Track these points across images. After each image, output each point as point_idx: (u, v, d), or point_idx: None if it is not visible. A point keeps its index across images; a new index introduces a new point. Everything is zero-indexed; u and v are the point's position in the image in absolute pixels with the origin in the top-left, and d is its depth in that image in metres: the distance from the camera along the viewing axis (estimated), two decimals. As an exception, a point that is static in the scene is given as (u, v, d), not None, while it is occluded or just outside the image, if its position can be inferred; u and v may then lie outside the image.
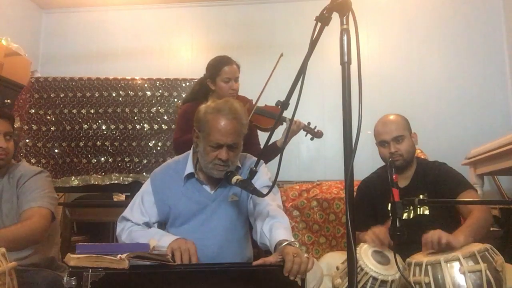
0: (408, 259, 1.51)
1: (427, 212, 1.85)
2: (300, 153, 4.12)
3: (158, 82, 3.16)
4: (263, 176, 1.74)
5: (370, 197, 1.98)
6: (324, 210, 2.65)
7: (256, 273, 1.31)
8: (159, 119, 3.09)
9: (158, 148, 3.05)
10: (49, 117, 3.08)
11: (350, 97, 1.11)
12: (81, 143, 3.04)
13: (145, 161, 3.05)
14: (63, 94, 3.11)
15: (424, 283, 1.38)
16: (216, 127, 1.58)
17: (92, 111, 3.08)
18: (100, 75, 3.20)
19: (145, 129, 3.07)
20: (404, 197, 1.42)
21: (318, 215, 2.64)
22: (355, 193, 1.22)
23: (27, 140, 3.04)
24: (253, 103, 2.47)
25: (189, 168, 1.72)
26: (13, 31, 4.01)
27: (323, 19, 1.18)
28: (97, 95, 3.10)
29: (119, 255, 1.22)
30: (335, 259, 1.82)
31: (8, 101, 3.40)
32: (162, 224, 1.76)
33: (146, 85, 3.14)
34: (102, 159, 3.04)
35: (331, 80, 3.97)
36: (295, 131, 2.37)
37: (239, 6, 4.47)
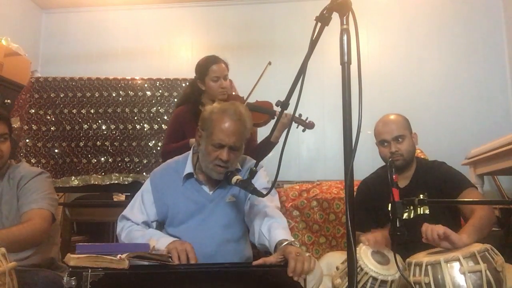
0: (408, 259, 1.51)
1: (427, 212, 1.85)
2: (300, 153, 4.12)
3: (158, 82, 3.16)
4: (262, 178, 1.74)
5: (370, 197, 1.98)
6: (324, 210, 2.65)
7: (256, 273, 1.31)
8: (159, 119, 3.09)
9: (158, 148, 3.05)
10: (49, 117, 3.08)
11: (350, 97, 1.11)
12: (81, 143, 3.04)
13: (145, 161, 3.05)
14: (63, 94, 3.11)
15: (424, 283, 1.37)
16: (220, 126, 1.60)
17: (92, 111, 3.08)
18: (100, 75, 3.20)
19: (145, 129, 3.07)
20: (404, 197, 1.42)
21: (318, 215, 2.64)
22: (355, 193, 1.22)
23: (27, 140, 3.04)
24: (244, 100, 2.47)
25: (189, 168, 1.73)
26: (13, 31, 4.01)
27: (323, 19, 1.18)
28: (97, 95, 3.10)
29: (119, 255, 1.22)
30: (335, 259, 1.82)
31: (8, 101, 3.40)
32: (161, 224, 1.76)
33: (146, 85, 3.14)
34: (102, 159, 3.04)
35: (331, 80, 3.97)
36: (286, 123, 2.35)
37: (239, 6, 4.47)
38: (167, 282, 1.25)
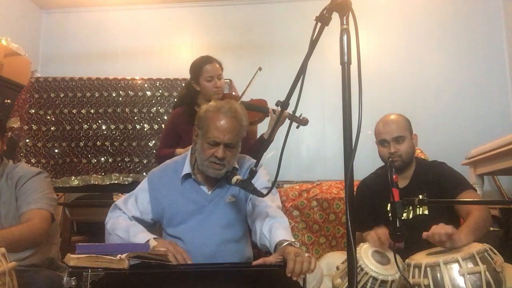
0: (407, 260, 1.50)
1: (426, 212, 1.85)
2: (300, 153, 4.12)
3: (158, 82, 3.16)
4: (262, 177, 1.74)
5: (370, 197, 1.98)
6: (324, 210, 2.65)
7: (256, 273, 1.31)
8: (159, 119, 3.09)
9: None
10: (49, 117, 3.07)
11: (350, 97, 1.11)
12: (81, 143, 3.04)
13: (145, 161, 3.05)
14: (63, 94, 3.11)
15: (424, 285, 1.37)
16: (215, 124, 1.60)
17: (92, 111, 3.08)
18: (100, 75, 3.20)
19: (145, 129, 3.07)
20: (404, 197, 1.42)
21: (318, 215, 2.64)
22: (354, 193, 1.22)
23: (27, 140, 3.04)
24: (239, 98, 2.47)
25: (187, 169, 1.73)
26: (13, 31, 4.01)
27: (323, 19, 1.18)
28: (97, 95, 3.10)
29: (119, 255, 1.22)
30: (335, 259, 1.82)
31: (8, 101, 3.40)
32: (158, 223, 1.76)
33: (146, 85, 3.14)
34: (102, 159, 3.03)
35: (331, 80, 3.97)
36: (280, 121, 2.35)
37: (239, 6, 4.47)
38: (167, 282, 1.25)
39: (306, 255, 1.31)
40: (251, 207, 1.69)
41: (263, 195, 1.43)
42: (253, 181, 1.47)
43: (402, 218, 1.39)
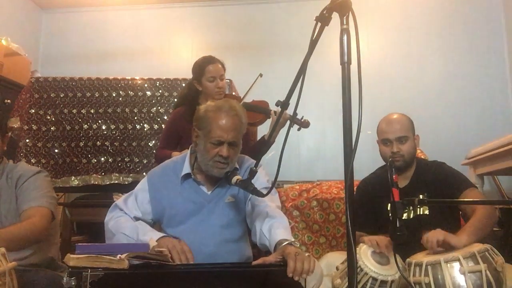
0: (408, 259, 1.51)
1: (427, 212, 1.84)
2: (300, 153, 4.12)
3: (158, 82, 3.16)
4: (262, 178, 1.74)
5: (370, 197, 1.98)
6: (324, 210, 2.65)
7: (256, 273, 1.31)
8: (159, 119, 3.09)
9: (158, 148, 3.05)
10: (49, 117, 3.08)
11: (350, 97, 1.11)
12: (81, 143, 3.04)
13: (145, 161, 3.05)
14: (63, 94, 3.11)
15: (424, 284, 1.38)
16: (217, 123, 1.60)
17: (92, 111, 3.08)
18: (100, 75, 3.20)
19: (145, 129, 3.07)
20: (404, 197, 1.42)
21: (318, 215, 2.64)
22: (354, 193, 1.22)
23: (27, 140, 3.04)
24: (240, 99, 2.47)
25: (186, 169, 1.73)
26: (13, 31, 4.01)
27: (323, 19, 1.18)
28: (97, 95, 3.11)
29: (119, 255, 1.22)
30: (335, 259, 1.82)
31: (8, 101, 3.40)
32: (157, 223, 1.76)
33: (146, 85, 3.14)
34: (102, 159, 3.04)
35: (331, 80, 3.96)
36: (281, 123, 2.35)
37: (239, 6, 4.47)
38: (167, 282, 1.25)
39: (306, 254, 1.31)
40: (251, 207, 1.69)
41: (263, 195, 1.43)
42: (252, 181, 1.47)
43: (403, 218, 1.39)
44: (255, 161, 1.49)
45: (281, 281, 1.26)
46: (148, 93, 3.13)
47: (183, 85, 3.16)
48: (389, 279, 1.46)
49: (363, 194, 2.00)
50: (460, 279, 1.33)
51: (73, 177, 3.02)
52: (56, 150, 3.05)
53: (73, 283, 1.16)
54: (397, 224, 1.35)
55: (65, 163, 3.04)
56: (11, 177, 1.76)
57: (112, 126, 3.07)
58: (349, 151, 1.10)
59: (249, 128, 2.44)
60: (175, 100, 3.12)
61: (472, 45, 4.02)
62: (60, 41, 4.65)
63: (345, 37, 1.14)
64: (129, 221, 1.66)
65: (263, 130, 2.47)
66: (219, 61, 2.39)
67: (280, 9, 4.37)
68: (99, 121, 3.07)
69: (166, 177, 1.75)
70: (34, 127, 3.06)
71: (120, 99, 3.11)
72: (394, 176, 1.43)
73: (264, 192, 1.43)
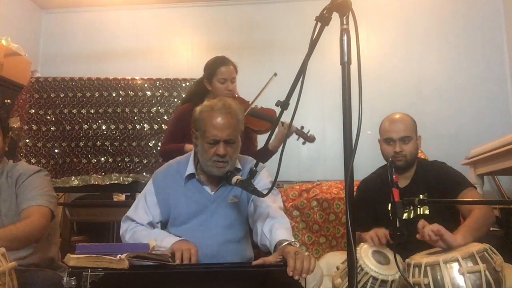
0: (407, 260, 1.51)
1: (427, 212, 1.85)
2: (300, 153, 4.12)
3: (158, 82, 3.16)
4: (264, 178, 1.75)
5: (370, 197, 1.98)
6: (324, 210, 2.65)
7: (256, 273, 1.31)
8: (159, 119, 3.09)
9: (158, 148, 3.05)
10: (49, 117, 3.08)
11: (350, 97, 1.12)
12: (81, 143, 3.05)
13: (145, 161, 3.05)
14: (63, 94, 3.11)
15: (424, 284, 1.37)
16: (211, 123, 1.61)
17: (92, 111, 3.08)
18: (100, 75, 3.20)
19: (145, 129, 3.07)
20: (404, 197, 1.42)
21: (318, 215, 2.64)
22: (355, 193, 1.22)
23: (27, 140, 3.04)
24: (249, 104, 2.46)
25: (190, 169, 1.73)
26: (13, 31, 4.01)
27: (323, 19, 1.18)
28: (97, 95, 3.11)
29: (119, 255, 1.22)
30: (335, 259, 1.82)
31: (8, 101, 3.40)
32: (163, 224, 1.76)
33: (146, 85, 3.15)
34: (102, 159, 3.04)
35: (331, 80, 3.96)
36: (286, 134, 2.35)
37: (239, 6, 4.46)
38: (167, 282, 1.26)
39: (306, 254, 1.31)
40: (253, 207, 1.69)
41: (263, 195, 1.43)
42: (255, 182, 1.47)
43: (403, 218, 1.39)
44: (256, 161, 1.49)
45: (281, 281, 1.26)
46: (148, 93, 3.13)
47: (183, 85, 3.17)
48: (390, 279, 1.47)
49: (363, 194, 2.00)
50: (459, 280, 1.33)
51: (73, 177, 3.02)
52: (56, 150, 3.05)
53: (73, 283, 1.16)
54: (397, 224, 1.35)
55: (65, 163, 3.04)
56: (11, 176, 1.76)
57: (112, 126, 3.07)
58: (349, 151, 1.10)
59: (253, 135, 2.44)
60: (175, 100, 3.12)
61: (472, 45, 4.02)
62: (60, 41, 4.65)
63: (345, 37, 1.14)
64: (145, 230, 1.67)
65: (263, 137, 2.46)
66: (232, 63, 2.37)
67: (280, 9, 4.37)
68: (99, 121, 3.07)
69: (170, 177, 1.76)
70: (34, 127, 3.06)
71: (120, 99, 3.11)
72: (394, 176, 1.43)
73: (265, 192, 1.43)
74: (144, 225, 1.69)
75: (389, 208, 1.80)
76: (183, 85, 3.17)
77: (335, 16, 1.17)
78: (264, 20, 4.39)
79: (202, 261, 1.54)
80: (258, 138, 2.55)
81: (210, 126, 1.61)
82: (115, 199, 3.57)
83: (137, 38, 4.52)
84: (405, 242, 1.37)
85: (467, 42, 4.03)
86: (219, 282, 1.26)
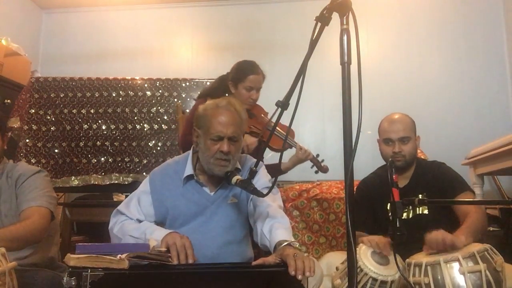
0: (407, 260, 1.50)
1: (426, 212, 1.85)
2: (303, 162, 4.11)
3: (158, 82, 3.16)
4: (263, 177, 1.74)
5: (369, 197, 1.98)
6: (324, 210, 2.64)
7: (256, 274, 1.31)
8: (159, 119, 3.09)
9: (158, 148, 3.05)
10: (49, 117, 3.08)
11: (350, 97, 1.12)
12: (81, 143, 3.04)
13: (145, 161, 3.05)
14: (63, 94, 3.11)
15: (424, 284, 1.37)
16: (216, 119, 1.62)
17: (92, 111, 3.08)
18: (100, 75, 3.20)
19: (145, 129, 3.07)
20: (403, 197, 1.42)
21: (318, 215, 2.64)
22: (354, 193, 1.22)
23: (27, 140, 3.04)
24: (269, 117, 2.43)
25: (189, 170, 1.72)
26: (13, 31, 4.01)
27: (323, 19, 1.18)
28: (97, 95, 3.10)
29: (119, 255, 1.22)
30: (335, 259, 1.82)
31: (8, 101, 3.40)
32: (160, 225, 1.76)
33: (146, 85, 3.14)
34: (102, 159, 3.04)
35: (331, 80, 3.96)
36: (301, 159, 2.37)
37: (239, 6, 4.47)
38: (167, 282, 1.25)
39: (305, 255, 1.31)
40: (252, 207, 1.69)
41: (263, 195, 1.43)
42: (254, 181, 1.47)
43: (402, 218, 1.39)
44: (256, 161, 1.49)
45: (281, 282, 1.26)
46: (148, 93, 3.13)
47: (183, 85, 3.16)
48: (389, 279, 1.46)
49: (363, 194, 2.00)
50: (460, 279, 1.33)
51: (73, 177, 3.01)
52: (56, 150, 3.05)
53: (73, 283, 1.16)
54: (397, 224, 1.35)
55: (65, 163, 3.03)
56: (11, 176, 1.76)
57: (112, 126, 3.06)
58: (349, 151, 1.10)
59: (261, 145, 2.44)
60: (175, 100, 3.12)
61: (472, 45, 4.02)
62: (60, 41, 4.65)
63: (345, 37, 1.14)
64: (134, 223, 1.66)
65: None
66: (262, 73, 2.36)
67: (280, 9, 4.37)
68: (99, 121, 3.07)
69: (168, 178, 1.74)
70: (34, 127, 3.06)
71: (120, 99, 3.11)
72: (394, 176, 1.43)
73: (265, 192, 1.43)
74: (134, 220, 1.67)
75: (388, 208, 1.80)
76: (183, 85, 3.17)
77: (335, 16, 1.17)
78: (264, 20, 4.39)
79: (202, 262, 1.53)
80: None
81: (215, 123, 1.61)
82: (115, 199, 3.58)
83: (137, 38, 4.52)
84: (405, 242, 1.37)
85: (467, 42, 4.03)
86: (219, 282, 1.26)
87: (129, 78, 3.17)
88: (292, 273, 1.22)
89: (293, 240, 1.45)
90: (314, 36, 1.20)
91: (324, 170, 2.39)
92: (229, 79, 2.37)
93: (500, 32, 4.00)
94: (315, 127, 4.09)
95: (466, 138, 3.72)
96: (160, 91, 3.14)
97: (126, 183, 3.02)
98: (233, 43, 4.31)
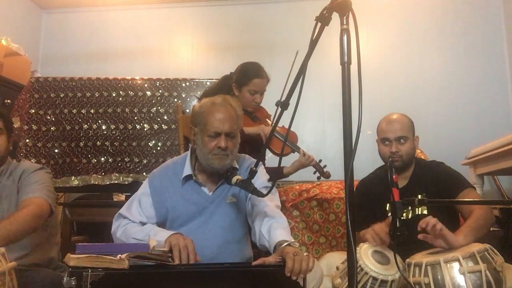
0: (407, 260, 1.51)
1: (425, 212, 1.85)
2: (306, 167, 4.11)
3: (158, 82, 3.16)
4: (262, 177, 1.75)
5: (369, 197, 1.98)
6: (324, 210, 2.64)
7: (256, 273, 1.31)
8: (159, 119, 3.09)
9: (158, 148, 3.05)
10: (49, 117, 3.07)
11: (350, 97, 1.12)
12: (81, 143, 3.04)
13: (145, 161, 3.05)
14: (63, 94, 3.11)
15: (424, 284, 1.38)
16: (213, 115, 1.63)
17: (92, 111, 3.08)
18: (100, 75, 3.20)
19: (145, 129, 3.07)
20: (403, 197, 1.42)
21: (318, 215, 2.64)
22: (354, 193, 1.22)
23: (27, 140, 3.04)
24: (272, 118, 2.43)
25: (187, 170, 1.72)
26: (13, 31, 4.01)
27: (323, 19, 1.18)
28: (97, 95, 3.10)
29: (119, 255, 1.22)
30: (335, 259, 1.82)
31: (8, 101, 3.40)
32: (161, 226, 1.76)
33: (146, 85, 3.14)
34: (102, 159, 3.03)
35: (331, 80, 3.96)
36: (304, 164, 2.35)
37: (239, 6, 4.47)
38: (167, 282, 1.25)
39: (305, 254, 1.31)
40: (250, 206, 1.69)
41: (263, 195, 1.43)
42: (252, 180, 1.47)
43: (402, 218, 1.39)
44: (255, 161, 1.49)
45: (281, 282, 1.26)
46: (148, 93, 3.13)
47: (183, 85, 3.16)
48: (389, 279, 1.46)
49: (362, 194, 2.00)
50: (460, 279, 1.33)
51: (73, 177, 3.01)
52: (56, 150, 3.04)
53: (73, 283, 1.16)
54: (397, 224, 1.35)
55: (65, 163, 3.03)
56: (14, 174, 1.79)
57: (112, 126, 3.06)
58: (349, 151, 1.10)
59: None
60: (175, 100, 3.12)
61: (472, 45, 4.02)
62: (60, 41, 4.65)
63: (345, 37, 1.14)
64: (137, 226, 1.67)
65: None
66: (267, 76, 2.35)
67: (280, 9, 4.37)
68: (99, 121, 3.07)
69: (167, 179, 1.75)
70: (34, 127, 3.05)
71: (120, 99, 3.10)
72: (394, 176, 1.43)
73: (264, 191, 1.43)
74: (136, 223, 1.68)
75: (389, 208, 1.80)
76: (183, 85, 3.16)
77: (335, 16, 1.17)
78: (264, 20, 4.39)
79: (202, 262, 1.53)
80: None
81: (212, 119, 1.62)
82: (115, 199, 3.58)
83: (137, 38, 4.52)
84: (405, 242, 1.37)
85: (467, 42, 4.03)
86: (219, 282, 1.26)
87: (129, 78, 3.17)
88: (288, 274, 1.24)
89: (292, 240, 1.45)
90: (314, 36, 1.20)
91: (326, 176, 2.39)
92: (233, 81, 2.37)
93: (500, 32, 4.00)
94: (315, 127, 4.09)
95: (466, 138, 3.72)
96: (160, 91, 3.14)
97: (126, 183, 3.01)
98: (233, 43, 4.31)
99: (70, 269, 1.18)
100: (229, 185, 1.63)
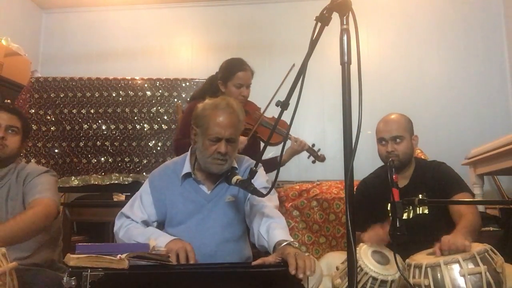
0: (407, 260, 1.50)
1: (426, 212, 1.85)
2: (300, 153, 4.11)
3: (158, 82, 3.16)
4: (261, 178, 1.75)
5: (369, 197, 1.98)
6: (324, 210, 2.64)
7: (256, 273, 1.31)
8: (159, 119, 3.09)
9: (158, 148, 3.05)
10: (49, 117, 3.07)
11: (350, 97, 1.12)
12: (81, 143, 3.04)
13: (145, 161, 3.05)
14: (63, 94, 3.11)
15: (424, 286, 1.37)
16: (215, 120, 1.62)
17: (92, 111, 3.08)
18: (100, 75, 3.20)
19: (145, 129, 3.07)
20: (403, 197, 1.42)
21: (318, 215, 2.64)
22: (354, 193, 1.22)
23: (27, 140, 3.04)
24: (261, 111, 2.44)
25: (187, 168, 1.73)
26: (13, 31, 4.01)
27: (323, 19, 1.18)
28: (97, 95, 3.10)
29: (119, 255, 1.22)
30: (335, 259, 1.82)
31: (8, 101, 3.40)
32: (160, 224, 1.76)
33: (146, 85, 3.14)
34: (102, 159, 3.03)
35: (331, 80, 3.96)
36: (297, 150, 2.35)
37: (239, 6, 4.47)
38: (167, 282, 1.25)
39: (306, 254, 1.31)
40: (249, 207, 1.70)
41: (263, 195, 1.43)
42: (252, 181, 1.47)
43: (402, 218, 1.39)
44: (255, 161, 1.49)
45: (281, 282, 1.26)
46: (148, 93, 3.13)
47: (183, 85, 3.16)
48: (389, 279, 1.46)
49: (362, 194, 2.00)
50: (460, 281, 1.33)
51: (73, 177, 3.01)
52: (56, 150, 3.04)
53: (73, 283, 1.16)
54: (397, 224, 1.35)
55: (65, 163, 3.03)
56: (20, 175, 1.80)
57: (112, 126, 3.06)
58: (349, 151, 1.10)
59: (257, 140, 2.43)
60: (175, 100, 3.12)
61: (472, 45, 4.02)
62: (60, 41, 4.65)
63: (345, 37, 1.14)
64: (139, 228, 1.67)
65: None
66: (251, 69, 2.36)
67: (280, 9, 4.37)
68: (99, 121, 3.07)
69: (167, 177, 1.76)
70: (34, 127, 3.05)
71: (120, 99, 3.10)
72: (394, 176, 1.43)
73: (264, 192, 1.43)
74: (139, 223, 1.69)
75: (389, 208, 1.80)
76: (183, 85, 3.17)
77: (335, 16, 1.17)
78: (264, 20, 4.39)
79: (201, 261, 1.54)
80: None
81: (214, 124, 1.62)
82: (115, 199, 3.57)
83: (137, 38, 4.52)
84: (405, 242, 1.37)
85: (467, 42, 4.03)
86: (218, 282, 1.26)
87: (129, 78, 3.17)
88: (293, 272, 1.22)
89: (291, 240, 1.45)
90: (314, 36, 1.20)
91: (321, 159, 2.38)
92: (218, 78, 2.38)
93: (500, 32, 4.00)
94: (315, 127, 4.09)
95: (466, 138, 3.72)
96: (160, 91, 3.14)
97: (126, 183, 3.02)
98: (233, 43, 4.31)
99: (70, 269, 1.18)
100: (227, 185, 1.63)
